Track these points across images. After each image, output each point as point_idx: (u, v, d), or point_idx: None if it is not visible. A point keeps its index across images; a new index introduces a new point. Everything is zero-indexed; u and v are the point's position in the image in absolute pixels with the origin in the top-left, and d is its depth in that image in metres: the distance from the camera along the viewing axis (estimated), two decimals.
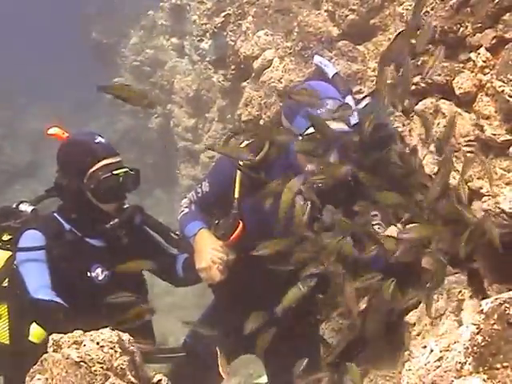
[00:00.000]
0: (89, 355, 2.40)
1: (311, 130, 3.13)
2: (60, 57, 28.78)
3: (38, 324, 3.23)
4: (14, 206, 3.70)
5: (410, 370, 2.47)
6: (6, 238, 3.54)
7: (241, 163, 3.39)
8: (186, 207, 3.70)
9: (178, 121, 11.28)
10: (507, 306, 1.93)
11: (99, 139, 3.50)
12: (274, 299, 3.17)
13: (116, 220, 3.47)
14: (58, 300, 3.24)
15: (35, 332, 3.26)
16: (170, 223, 4.00)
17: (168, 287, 4.22)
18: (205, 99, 10.47)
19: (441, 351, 2.34)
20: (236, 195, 3.40)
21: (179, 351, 4.00)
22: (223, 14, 5.70)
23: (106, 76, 14.96)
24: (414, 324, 2.77)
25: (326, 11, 4.94)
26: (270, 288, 3.24)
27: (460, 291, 2.70)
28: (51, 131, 3.67)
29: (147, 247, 3.76)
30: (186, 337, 4.07)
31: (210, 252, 3.33)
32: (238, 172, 3.41)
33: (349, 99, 3.42)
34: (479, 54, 2.91)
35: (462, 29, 3.07)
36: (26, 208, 3.67)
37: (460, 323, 2.51)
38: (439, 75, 3.09)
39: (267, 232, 3.30)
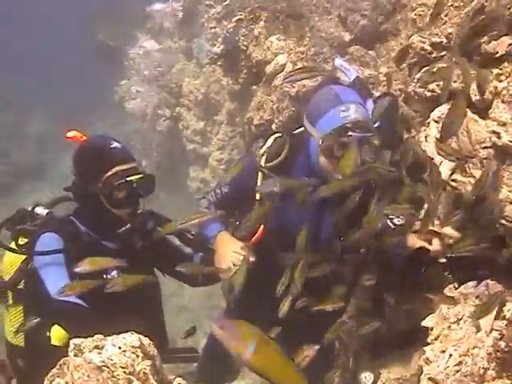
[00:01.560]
0: (111, 359, 2.40)
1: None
2: (65, 58, 28.81)
3: (59, 325, 3.25)
4: (30, 208, 3.71)
5: (428, 374, 2.50)
6: (21, 241, 3.56)
7: (262, 165, 3.40)
8: (206, 208, 3.69)
9: (186, 124, 11.29)
10: None
11: (115, 144, 3.49)
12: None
13: (128, 225, 3.47)
14: (79, 301, 3.25)
15: (55, 334, 3.29)
16: None
17: (175, 289, 4.25)
18: (213, 102, 10.48)
19: (460, 356, 2.37)
20: (258, 197, 3.41)
21: (193, 351, 4.03)
22: (235, 19, 5.71)
23: (112, 78, 14.97)
24: (432, 328, 2.78)
25: (337, 16, 4.97)
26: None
27: (477, 296, 2.72)
28: (70, 134, 3.66)
29: (162, 250, 3.77)
30: (208, 334, 4.15)
31: (231, 254, 3.35)
32: (260, 174, 3.41)
33: (369, 103, 3.44)
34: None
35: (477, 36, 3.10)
36: (42, 211, 3.68)
37: (478, 328, 2.52)
38: (455, 82, 3.12)
39: (288, 234, 3.32)
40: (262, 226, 3.41)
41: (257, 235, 3.40)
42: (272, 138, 3.51)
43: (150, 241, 3.68)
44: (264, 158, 3.44)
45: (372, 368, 3.97)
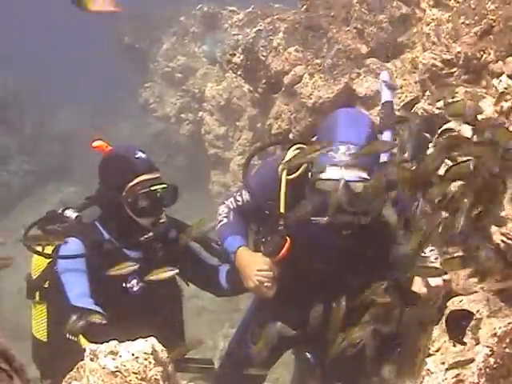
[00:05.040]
0: (124, 366, 2.48)
1: None
2: (91, 58, 28.93)
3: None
4: (60, 211, 3.79)
5: None
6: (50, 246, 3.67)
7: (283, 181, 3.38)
8: (225, 217, 3.70)
9: (208, 128, 11.35)
10: None
11: (140, 154, 3.57)
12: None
13: (150, 234, 3.54)
14: (98, 308, 3.34)
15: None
16: None
17: (196, 291, 4.27)
18: (235, 108, 10.54)
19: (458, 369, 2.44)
20: (281, 210, 3.39)
21: (210, 363, 4.07)
22: (255, 30, 5.78)
23: (138, 80, 15.08)
24: (434, 340, 2.84)
25: (355, 28, 5.02)
26: (315, 298, 3.34)
27: (478, 310, 2.77)
28: (95, 144, 3.77)
29: (185, 259, 3.81)
30: (231, 341, 4.18)
31: (255, 273, 3.39)
32: (283, 187, 3.38)
33: (387, 135, 3.46)
34: (501, 80, 3.00)
35: (484, 55, 3.17)
36: (71, 214, 3.77)
37: (477, 341, 2.58)
38: (462, 100, 3.18)
39: (315, 245, 3.36)
40: (289, 241, 3.38)
41: (284, 250, 3.37)
42: (292, 149, 3.46)
43: (175, 249, 3.75)
44: (285, 172, 3.39)
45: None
